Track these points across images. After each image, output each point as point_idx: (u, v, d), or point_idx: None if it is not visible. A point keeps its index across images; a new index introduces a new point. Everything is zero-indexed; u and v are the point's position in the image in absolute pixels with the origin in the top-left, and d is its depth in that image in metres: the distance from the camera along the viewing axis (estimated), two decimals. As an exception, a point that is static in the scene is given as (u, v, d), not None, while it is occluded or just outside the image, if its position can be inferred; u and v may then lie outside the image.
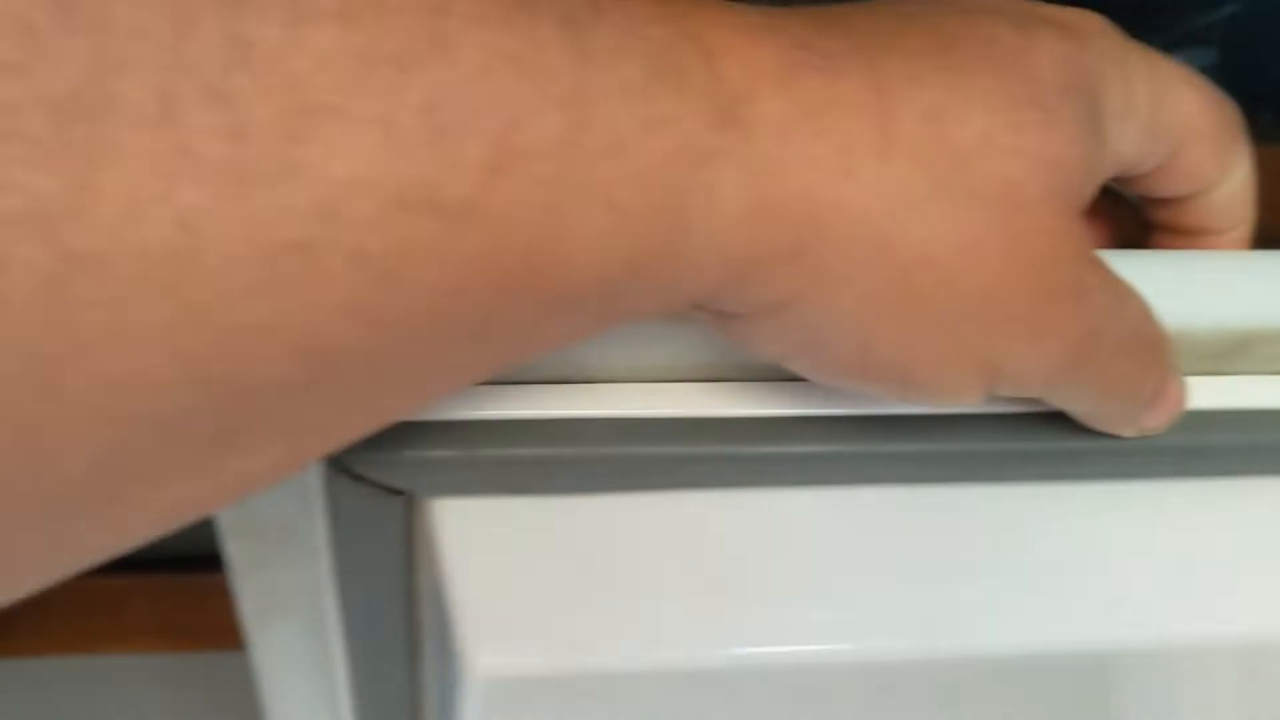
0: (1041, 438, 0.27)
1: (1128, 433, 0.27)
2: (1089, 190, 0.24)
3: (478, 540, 0.26)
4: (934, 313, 0.23)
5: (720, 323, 0.24)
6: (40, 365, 0.16)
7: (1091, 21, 0.25)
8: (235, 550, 0.31)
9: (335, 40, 0.17)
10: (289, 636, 0.35)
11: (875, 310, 0.22)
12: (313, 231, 0.17)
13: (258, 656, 0.36)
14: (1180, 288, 0.27)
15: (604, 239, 0.20)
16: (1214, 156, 0.27)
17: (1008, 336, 0.23)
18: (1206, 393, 0.28)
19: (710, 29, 0.21)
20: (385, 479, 0.25)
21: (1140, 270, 0.26)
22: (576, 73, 0.19)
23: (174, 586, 0.80)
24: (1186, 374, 0.28)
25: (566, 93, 0.19)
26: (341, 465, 0.25)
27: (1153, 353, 0.26)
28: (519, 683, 0.25)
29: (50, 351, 0.16)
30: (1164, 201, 0.29)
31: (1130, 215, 0.31)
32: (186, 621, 0.81)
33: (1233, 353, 0.28)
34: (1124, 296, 0.25)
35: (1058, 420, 0.27)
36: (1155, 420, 0.27)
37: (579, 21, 0.19)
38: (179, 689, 0.80)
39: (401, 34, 0.17)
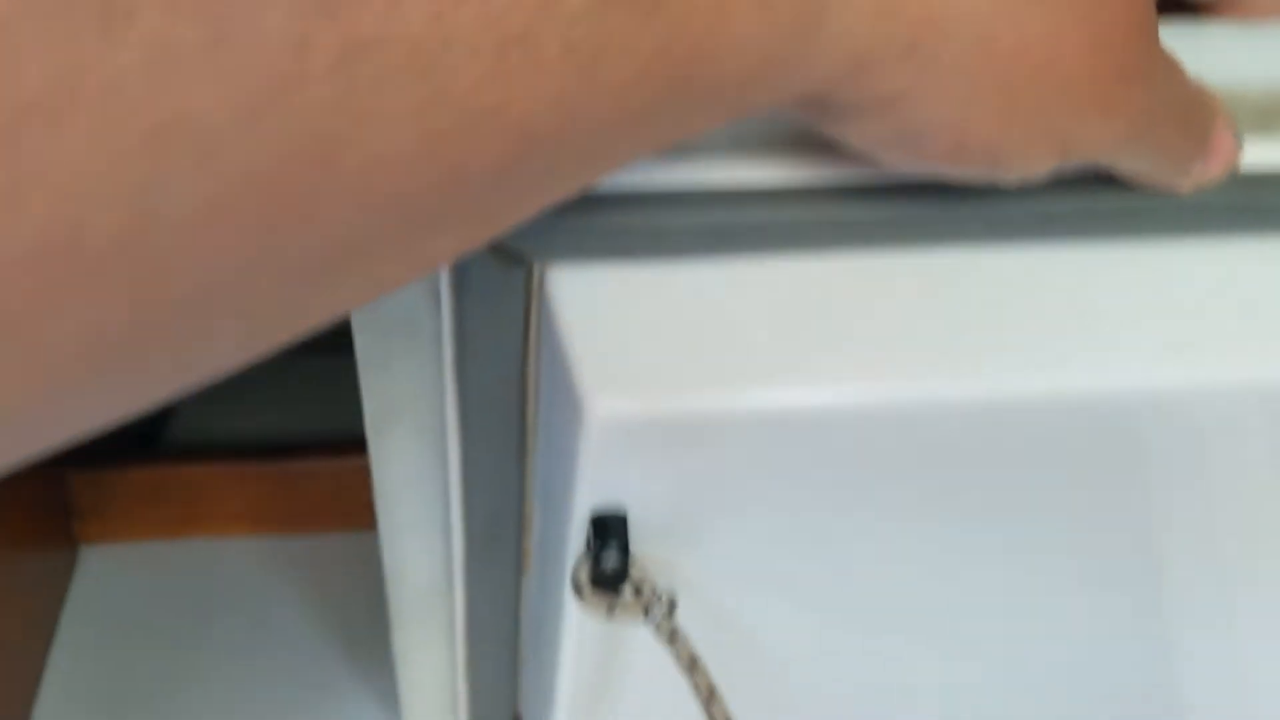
0: (1105, 198, 0.29)
1: (1184, 188, 0.30)
2: None
3: (592, 300, 0.28)
4: (1026, 99, 0.26)
5: (820, 117, 0.26)
6: (326, 141, 0.18)
7: None
8: (362, 345, 0.34)
9: None
10: (406, 442, 0.38)
11: (975, 101, 0.25)
12: (535, 25, 0.19)
13: (376, 468, 0.39)
14: (1234, 51, 0.30)
15: (755, 35, 0.22)
16: None
17: (1086, 115, 0.26)
18: (1259, 152, 0.30)
19: None
20: (511, 245, 0.28)
21: (1198, 36, 0.28)
22: None
23: (262, 473, 0.84)
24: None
25: None
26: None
27: (1201, 113, 0.29)
28: (632, 424, 0.28)
29: (334, 129, 0.18)
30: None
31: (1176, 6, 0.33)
32: (276, 507, 0.84)
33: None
34: (1175, 68, 0.28)
35: (1116, 182, 0.29)
36: (1210, 171, 0.30)
37: None
38: (269, 571, 0.83)
39: None
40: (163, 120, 0.17)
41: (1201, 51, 0.28)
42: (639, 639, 0.34)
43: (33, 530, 0.76)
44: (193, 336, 0.20)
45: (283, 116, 0.18)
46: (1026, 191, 0.29)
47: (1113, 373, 0.29)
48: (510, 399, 0.33)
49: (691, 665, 0.33)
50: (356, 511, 0.82)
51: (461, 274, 0.29)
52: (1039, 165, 0.27)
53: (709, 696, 0.33)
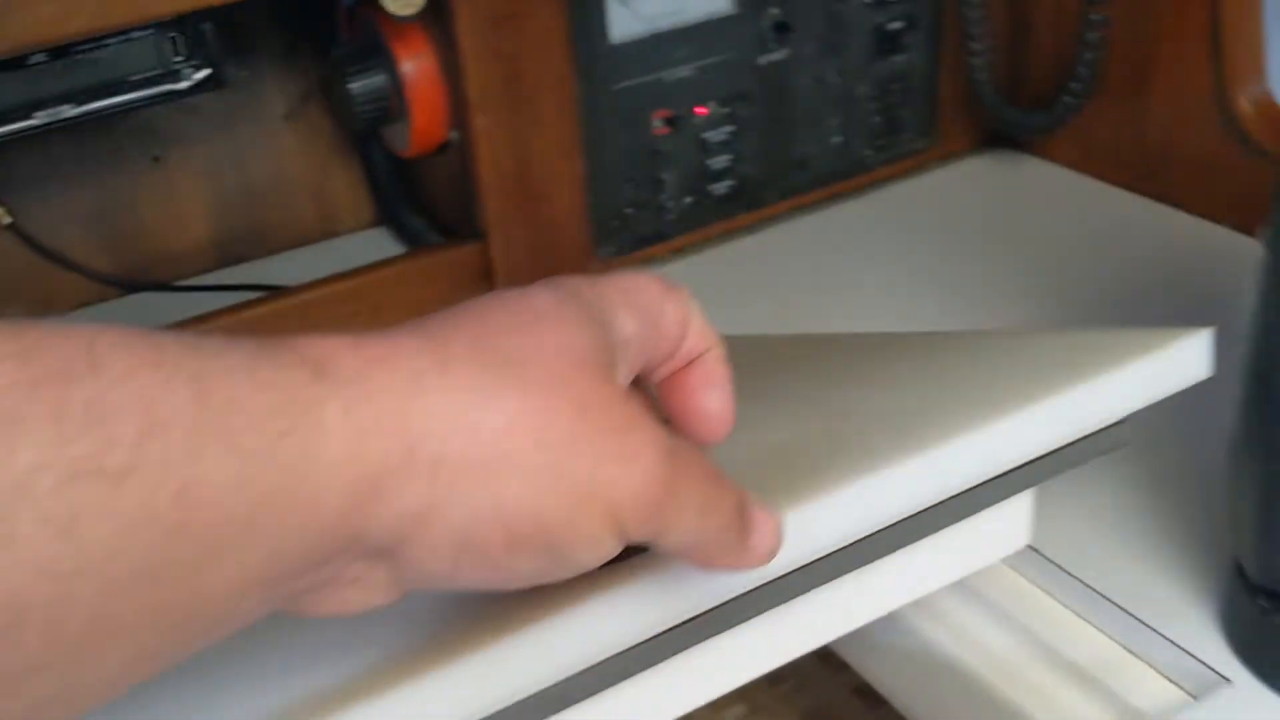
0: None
1: (742, 560, 0.35)
2: (614, 360, 0.32)
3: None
4: (541, 468, 0.29)
5: (395, 567, 0.30)
6: None
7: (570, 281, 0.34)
8: None
9: (11, 376, 0.24)
10: None
11: (497, 483, 0.29)
12: (10, 506, 0.23)
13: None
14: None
15: (238, 478, 0.26)
16: (673, 312, 0.36)
17: (607, 466, 0.30)
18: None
19: (290, 336, 0.28)
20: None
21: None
22: (195, 362, 0.26)
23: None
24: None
25: (190, 375, 0.26)
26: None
27: (722, 477, 0.34)
28: None
29: None
30: (677, 381, 0.37)
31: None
32: None
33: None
34: (677, 437, 0.33)
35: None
36: (759, 542, 0.34)
37: (191, 337, 0.27)
38: None
39: (63, 361, 0.25)
40: None
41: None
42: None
43: None
44: None
45: None
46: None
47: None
48: None
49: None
50: None
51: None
52: (598, 535, 0.31)
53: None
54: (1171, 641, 0.51)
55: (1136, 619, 0.52)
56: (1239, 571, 0.50)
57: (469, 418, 0.29)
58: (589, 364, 0.31)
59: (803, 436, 0.45)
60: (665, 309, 0.35)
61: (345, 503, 0.27)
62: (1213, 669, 0.50)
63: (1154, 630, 0.52)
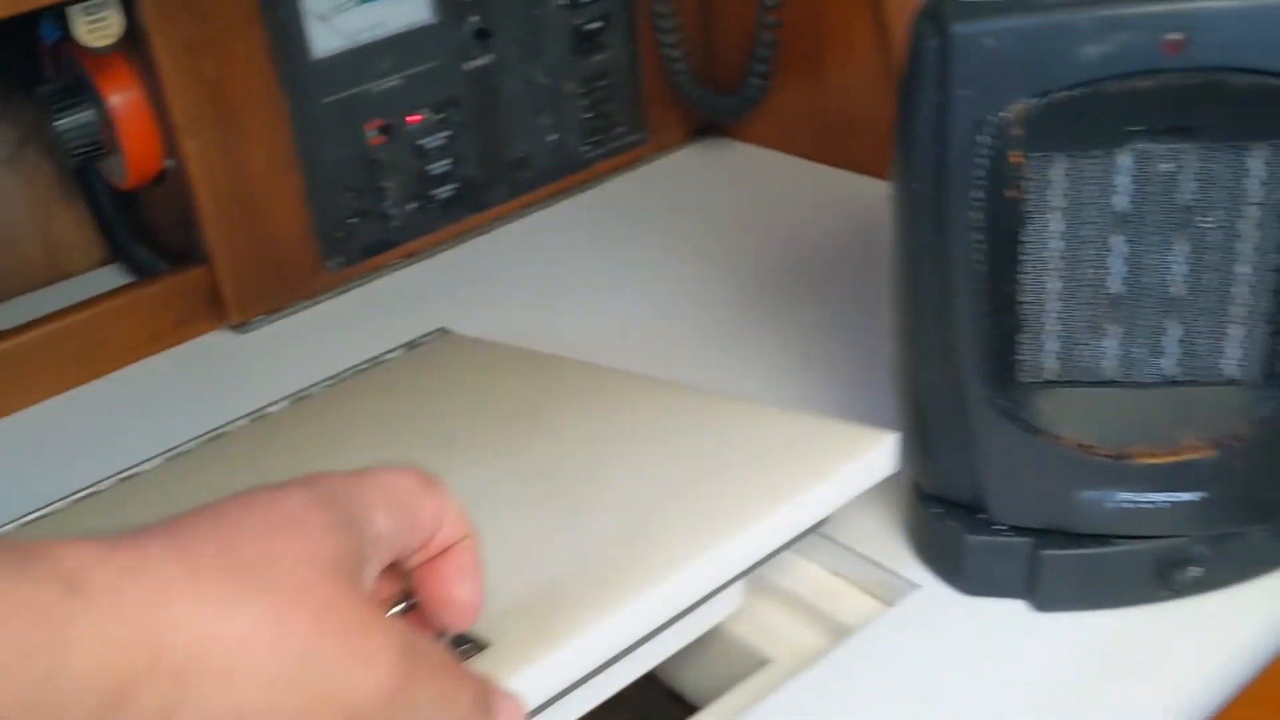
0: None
1: None
2: (363, 560, 0.34)
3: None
4: (278, 675, 0.31)
5: None
6: None
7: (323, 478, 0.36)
8: None
9: None
10: None
11: (235, 690, 0.30)
12: None
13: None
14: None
15: None
16: (430, 505, 0.38)
17: (345, 673, 0.32)
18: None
19: (47, 544, 0.30)
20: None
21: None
22: None
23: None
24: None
25: None
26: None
27: (461, 668, 0.36)
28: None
29: None
30: (430, 569, 0.39)
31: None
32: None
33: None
34: (417, 632, 0.35)
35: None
36: None
37: None
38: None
39: None
40: None
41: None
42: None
43: None
44: None
45: None
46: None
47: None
48: None
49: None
50: None
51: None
52: None
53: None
54: (869, 559, 0.57)
55: (838, 544, 0.58)
56: (916, 488, 0.55)
57: (212, 626, 0.30)
58: (333, 569, 0.32)
59: (546, 562, 0.49)
60: (422, 502, 0.37)
61: (92, 709, 0.29)
62: (903, 577, 0.55)
63: (854, 552, 0.57)
